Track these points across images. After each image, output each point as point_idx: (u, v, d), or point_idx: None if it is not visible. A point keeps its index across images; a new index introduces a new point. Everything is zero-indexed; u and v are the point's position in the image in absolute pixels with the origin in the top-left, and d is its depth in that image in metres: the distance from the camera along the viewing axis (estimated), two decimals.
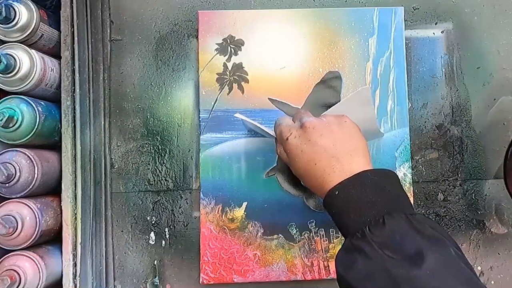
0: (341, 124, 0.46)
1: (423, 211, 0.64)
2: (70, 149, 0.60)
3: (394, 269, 0.35)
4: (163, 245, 0.63)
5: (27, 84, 0.55)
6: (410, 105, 0.65)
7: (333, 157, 0.43)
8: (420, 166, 0.65)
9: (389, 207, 0.39)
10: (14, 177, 0.53)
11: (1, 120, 0.52)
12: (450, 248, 0.37)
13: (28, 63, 0.54)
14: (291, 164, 0.47)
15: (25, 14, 0.55)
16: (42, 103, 0.57)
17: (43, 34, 0.57)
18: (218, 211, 0.61)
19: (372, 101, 0.61)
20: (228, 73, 0.62)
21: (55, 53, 0.61)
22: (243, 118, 0.55)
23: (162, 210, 0.63)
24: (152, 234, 0.63)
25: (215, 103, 0.62)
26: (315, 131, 0.45)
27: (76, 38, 0.61)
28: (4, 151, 0.55)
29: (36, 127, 0.55)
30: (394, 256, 0.36)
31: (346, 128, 0.46)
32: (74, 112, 0.60)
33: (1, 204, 0.54)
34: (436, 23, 0.66)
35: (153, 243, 0.63)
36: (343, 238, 0.61)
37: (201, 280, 0.60)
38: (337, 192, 0.41)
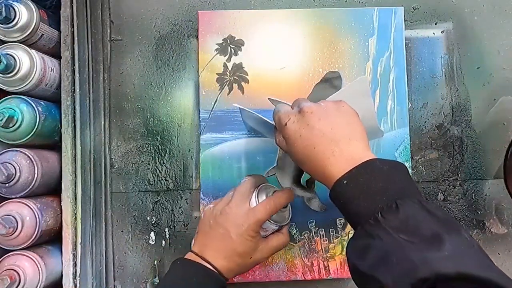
0: (339, 109, 0.46)
1: None
2: (70, 149, 0.60)
3: (411, 252, 0.35)
4: (163, 245, 0.63)
5: (27, 84, 0.55)
6: (410, 105, 0.65)
7: (332, 141, 0.43)
8: (420, 166, 0.65)
9: (400, 193, 0.39)
10: (14, 177, 0.53)
11: (1, 120, 0.52)
12: (464, 233, 0.37)
13: (28, 63, 0.54)
14: (290, 150, 0.46)
15: (25, 14, 0.55)
16: (42, 103, 0.57)
17: (43, 34, 0.57)
18: None
19: (371, 93, 0.61)
20: (228, 73, 0.62)
21: (55, 53, 0.61)
22: (242, 108, 0.55)
23: (162, 210, 0.63)
24: (152, 234, 0.63)
25: (215, 103, 0.62)
26: (313, 115, 0.44)
27: (76, 38, 0.61)
28: (4, 151, 0.55)
29: (36, 127, 0.55)
30: (411, 240, 0.35)
31: (344, 112, 0.46)
32: (74, 112, 0.60)
33: (1, 204, 0.54)
34: (436, 23, 0.66)
35: (153, 243, 0.63)
36: (343, 238, 0.61)
37: None
38: (345, 181, 0.40)
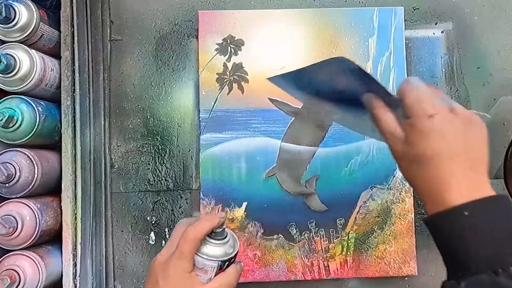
0: (483, 128, 0.39)
1: (423, 211, 0.64)
2: (70, 149, 0.60)
3: None
4: (163, 245, 0.63)
5: (27, 84, 0.55)
6: None
7: (473, 162, 0.37)
8: None
9: None
10: (14, 177, 0.53)
11: (1, 120, 0.52)
12: None
13: (28, 63, 0.54)
14: (412, 145, 0.38)
15: (25, 14, 0.55)
16: (42, 103, 0.57)
17: (43, 34, 0.57)
18: (218, 211, 0.61)
19: None
20: (228, 73, 0.62)
21: (55, 53, 0.61)
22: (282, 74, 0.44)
23: (162, 210, 0.63)
24: (152, 234, 0.63)
25: (215, 103, 0.62)
26: (466, 125, 0.38)
27: (76, 38, 0.61)
28: (4, 151, 0.55)
29: (36, 127, 0.55)
30: None
31: (486, 135, 0.39)
32: (74, 112, 0.60)
33: (1, 204, 0.54)
34: (436, 23, 0.66)
35: (153, 243, 0.63)
36: (343, 238, 0.61)
37: None
38: (466, 212, 0.34)
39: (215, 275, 0.44)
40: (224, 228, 0.45)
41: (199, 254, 0.44)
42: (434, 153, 0.37)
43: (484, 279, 0.33)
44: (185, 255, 0.42)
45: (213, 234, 0.45)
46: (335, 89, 0.44)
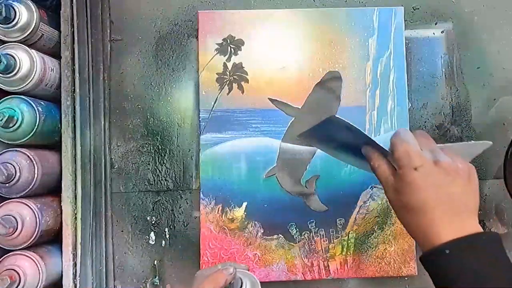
0: (471, 176, 0.42)
1: None
2: (70, 149, 0.60)
3: None
4: (163, 245, 0.63)
5: (27, 84, 0.55)
6: (410, 105, 0.65)
7: (456, 209, 0.40)
8: None
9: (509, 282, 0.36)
10: (14, 177, 0.53)
11: (1, 120, 0.52)
12: None
13: (28, 63, 0.54)
14: (401, 194, 0.42)
15: (25, 14, 0.55)
16: (42, 103, 0.57)
17: (43, 34, 0.57)
18: (218, 211, 0.61)
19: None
20: (228, 73, 0.62)
21: (55, 53, 0.61)
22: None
23: (162, 210, 0.63)
24: (152, 234, 0.63)
25: (215, 103, 0.62)
26: (449, 176, 0.41)
27: (76, 38, 0.61)
28: (4, 151, 0.55)
29: (36, 127, 0.55)
30: None
31: (475, 183, 0.42)
32: (74, 112, 0.60)
33: (1, 204, 0.54)
34: (436, 23, 0.66)
35: (153, 243, 0.63)
36: (343, 238, 0.61)
37: None
38: (447, 251, 0.38)
39: None
40: (232, 283, 0.45)
41: None
42: (419, 202, 0.41)
43: None
44: None
45: None
46: (340, 143, 0.50)
